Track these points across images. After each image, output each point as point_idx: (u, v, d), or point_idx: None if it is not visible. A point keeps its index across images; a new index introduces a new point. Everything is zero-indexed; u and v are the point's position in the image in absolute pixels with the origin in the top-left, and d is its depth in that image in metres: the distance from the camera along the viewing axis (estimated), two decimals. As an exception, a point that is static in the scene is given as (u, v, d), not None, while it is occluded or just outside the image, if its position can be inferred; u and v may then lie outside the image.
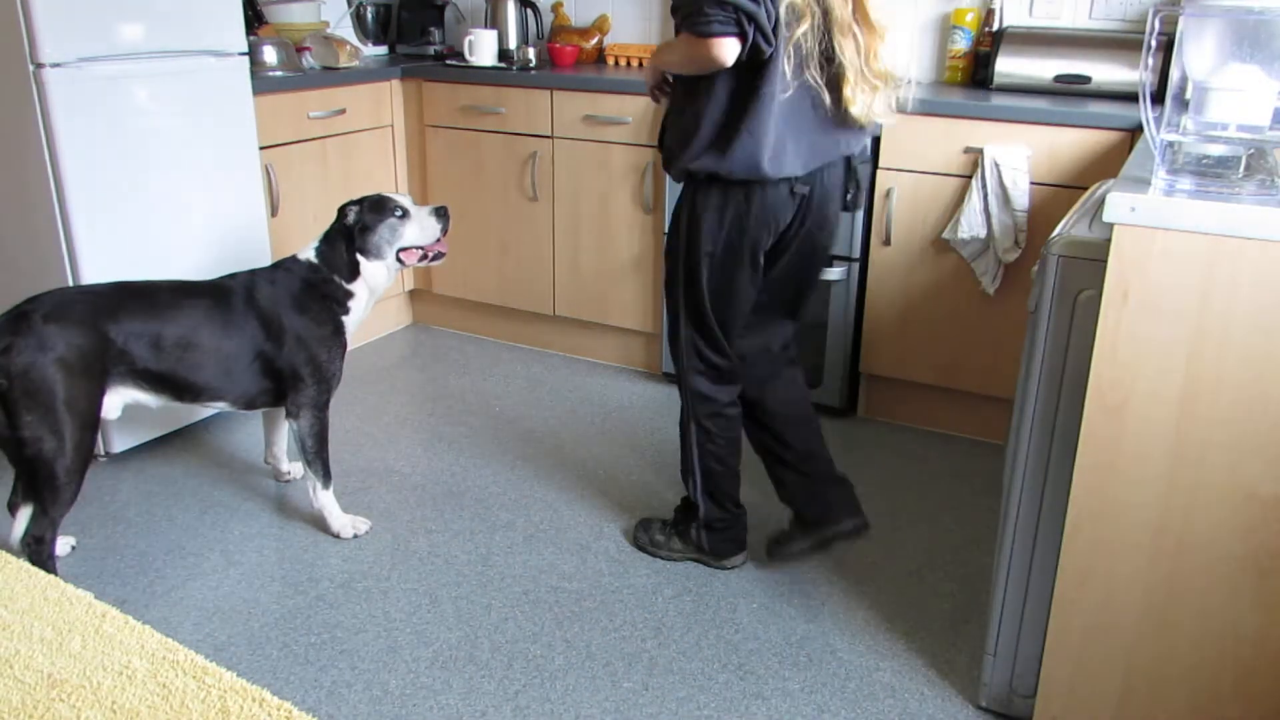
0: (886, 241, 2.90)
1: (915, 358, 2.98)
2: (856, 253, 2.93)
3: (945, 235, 2.80)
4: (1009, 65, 2.95)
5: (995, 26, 3.08)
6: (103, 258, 2.63)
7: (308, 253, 2.42)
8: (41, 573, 1.91)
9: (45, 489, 2.10)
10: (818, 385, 3.10)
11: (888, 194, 2.85)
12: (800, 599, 2.25)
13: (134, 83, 2.62)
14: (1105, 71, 2.85)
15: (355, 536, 2.46)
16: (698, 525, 2.31)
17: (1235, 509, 1.54)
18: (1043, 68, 2.92)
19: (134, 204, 2.68)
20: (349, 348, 2.49)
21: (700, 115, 1.94)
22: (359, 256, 2.40)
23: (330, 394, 2.43)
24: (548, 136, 3.34)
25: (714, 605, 2.22)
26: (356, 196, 2.47)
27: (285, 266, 2.41)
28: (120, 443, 2.79)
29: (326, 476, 2.44)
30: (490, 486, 2.71)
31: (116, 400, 2.23)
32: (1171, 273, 1.48)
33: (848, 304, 2.98)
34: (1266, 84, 1.49)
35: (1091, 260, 1.58)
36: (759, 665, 2.04)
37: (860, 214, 2.89)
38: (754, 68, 1.87)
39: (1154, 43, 1.57)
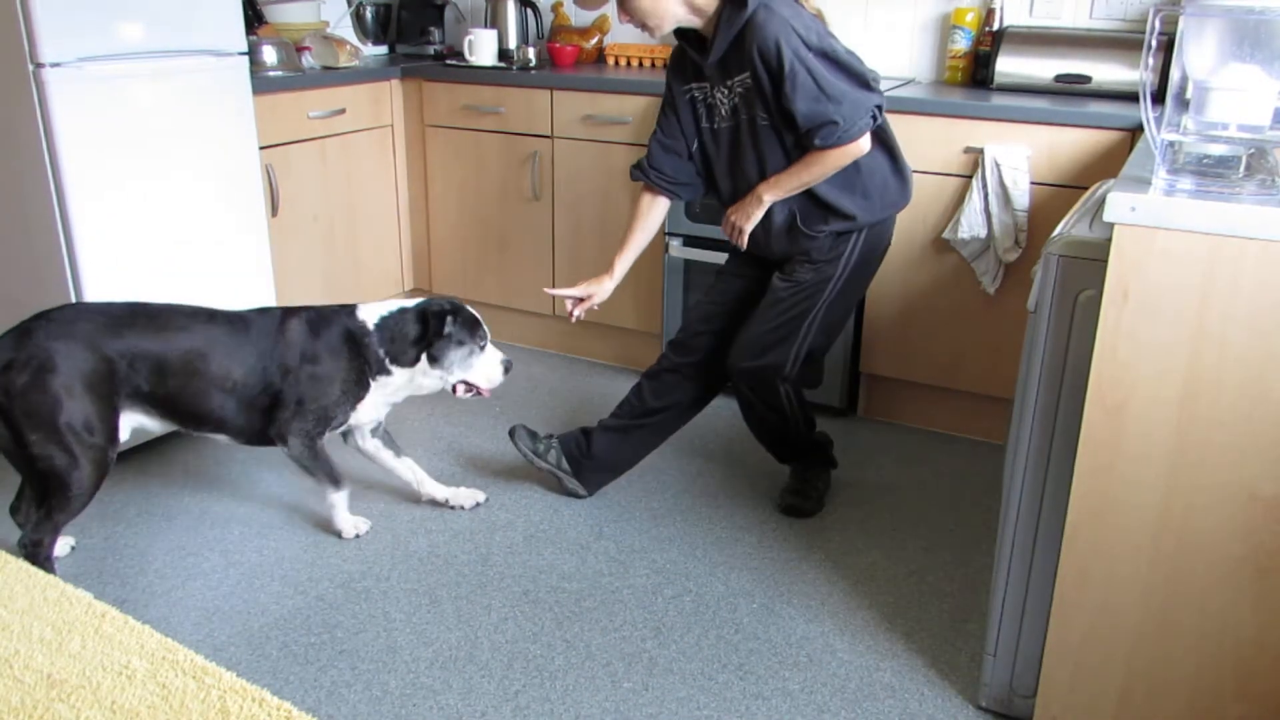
0: (886, 241, 2.89)
1: (915, 358, 2.98)
2: (856, 253, 2.93)
3: (945, 235, 2.80)
4: (1009, 65, 2.95)
5: (995, 26, 3.07)
6: (102, 258, 2.63)
7: (371, 316, 2.33)
8: (41, 573, 1.91)
9: (55, 497, 2.11)
10: (818, 385, 3.10)
11: (888, 194, 2.85)
12: (800, 599, 2.25)
13: (134, 83, 2.62)
14: (1105, 71, 2.85)
15: (357, 537, 2.46)
16: (824, 458, 2.65)
17: (1235, 509, 1.54)
18: (1043, 67, 2.92)
19: (134, 204, 2.68)
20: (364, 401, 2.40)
21: (867, 178, 2.23)
22: (424, 359, 2.33)
23: (324, 433, 2.36)
24: (548, 136, 3.34)
25: (714, 605, 2.22)
26: (445, 301, 2.38)
27: (335, 315, 2.32)
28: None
29: (334, 481, 2.42)
30: (490, 486, 2.71)
31: (125, 423, 2.21)
32: (1172, 273, 1.48)
33: (848, 304, 2.98)
34: (1266, 84, 1.49)
35: (1091, 260, 1.57)
36: (759, 665, 2.04)
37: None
38: None
39: (1154, 42, 1.57)
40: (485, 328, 2.41)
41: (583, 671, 2.01)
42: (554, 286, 3.47)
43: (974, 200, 2.70)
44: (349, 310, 2.35)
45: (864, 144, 2.14)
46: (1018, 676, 1.85)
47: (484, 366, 2.40)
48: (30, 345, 2.05)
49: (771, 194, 2.23)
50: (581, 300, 2.47)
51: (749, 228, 2.29)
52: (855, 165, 2.20)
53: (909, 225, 2.86)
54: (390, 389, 2.38)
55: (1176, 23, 1.54)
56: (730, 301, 2.47)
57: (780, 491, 2.63)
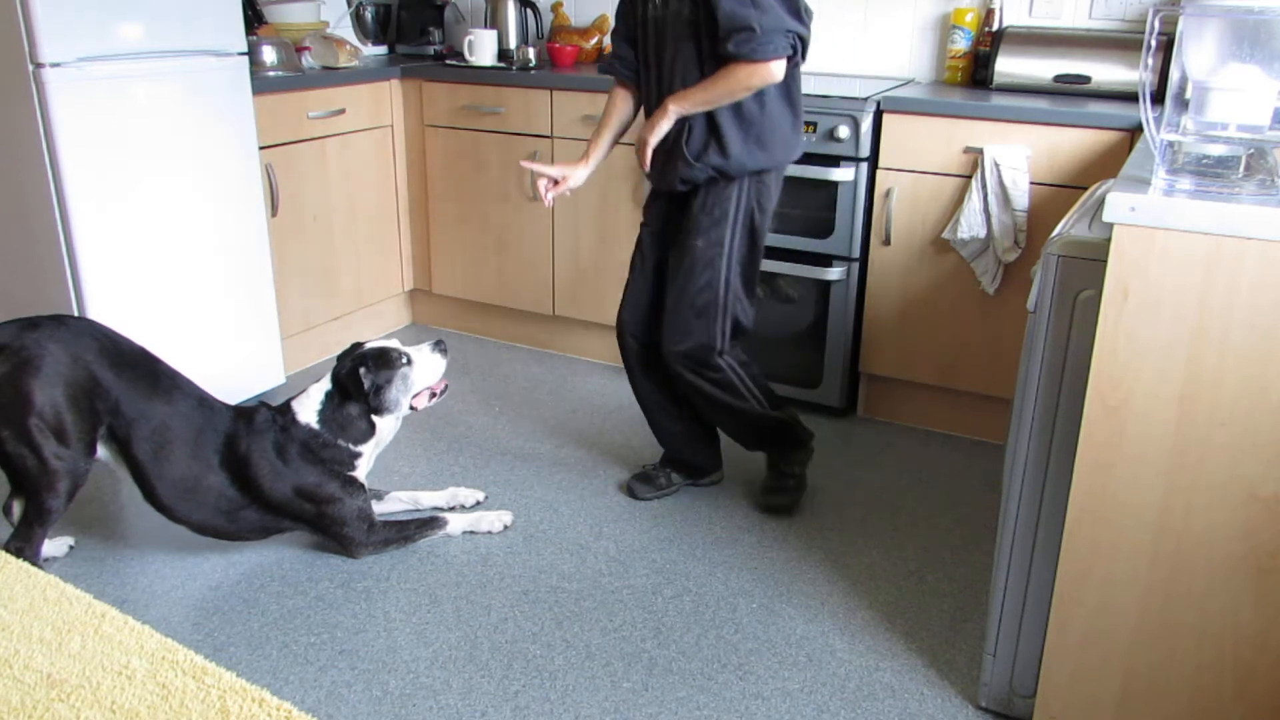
0: (886, 241, 2.90)
1: (915, 358, 2.98)
2: (856, 253, 2.93)
3: (945, 235, 2.80)
4: (1009, 65, 2.95)
5: (995, 26, 3.08)
6: (102, 258, 2.63)
7: (308, 415, 2.26)
8: (41, 573, 1.91)
9: (30, 504, 2.11)
10: (817, 385, 3.10)
11: (887, 194, 2.85)
12: (800, 599, 2.25)
13: (134, 83, 2.62)
14: (1105, 71, 2.85)
15: (505, 528, 2.48)
16: (795, 436, 2.56)
17: (1235, 509, 1.54)
18: (1043, 68, 2.92)
19: (134, 204, 2.68)
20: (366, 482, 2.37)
21: (765, 121, 2.21)
22: (373, 416, 2.28)
23: (372, 520, 2.33)
24: (547, 136, 3.34)
25: (714, 605, 2.22)
26: (346, 353, 2.31)
27: (284, 428, 2.24)
28: (120, 443, 2.79)
29: (432, 525, 2.42)
30: (490, 486, 2.71)
31: (99, 450, 2.19)
32: (1171, 273, 1.48)
33: (847, 304, 2.98)
34: (1266, 84, 1.49)
35: (1091, 260, 1.58)
36: (759, 665, 2.04)
37: (860, 214, 2.89)
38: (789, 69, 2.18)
39: (1154, 43, 1.57)
40: (395, 345, 2.32)
41: (583, 671, 2.01)
42: (554, 286, 3.49)
43: (973, 200, 2.70)
44: (289, 418, 2.26)
45: (776, 70, 2.10)
46: (1017, 676, 1.85)
47: (423, 373, 2.33)
48: (26, 338, 2.04)
49: (677, 105, 2.19)
50: (556, 183, 2.46)
51: (653, 141, 2.24)
52: (760, 106, 2.19)
53: (909, 225, 2.86)
54: (368, 460, 2.34)
55: (1176, 23, 1.54)
56: (649, 273, 2.47)
57: (758, 491, 2.62)
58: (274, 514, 2.26)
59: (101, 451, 2.18)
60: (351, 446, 2.28)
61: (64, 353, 2.07)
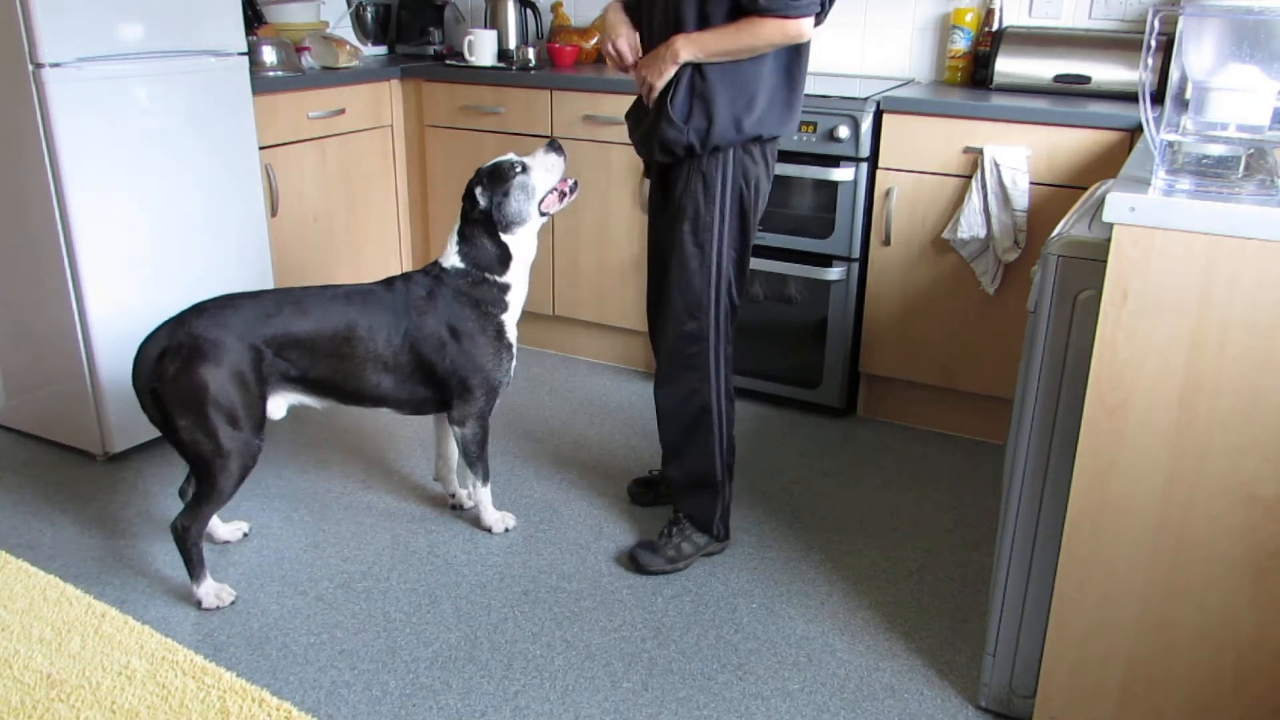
0: (886, 241, 2.90)
1: (915, 358, 2.98)
2: (856, 253, 2.93)
3: (945, 235, 2.80)
4: (1009, 65, 2.95)
5: (995, 26, 3.08)
6: (102, 258, 2.63)
7: (451, 259, 2.31)
8: (41, 573, 1.91)
9: (202, 485, 2.14)
10: (817, 385, 3.11)
11: (887, 194, 2.85)
12: (800, 599, 2.25)
13: (134, 83, 2.62)
14: (1105, 71, 2.85)
15: (506, 531, 2.49)
16: (720, 513, 2.36)
17: (1235, 509, 1.54)
18: (1042, 68, 2.92)
19: (133, 204, 2.68)
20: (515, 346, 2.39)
21: (758, 82, 2.04)
22: (503, 236, 2.29)
23: (496, 401, 2.38)
24: (547, 137, 3.34)
25: (714, 605, 2.22)
26: (476, 176, 2.33)
27: (435, 276, 2.30)
28: (120, 443, 2.79)
29: (485, 476, 2.46)
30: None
31: (280, 402, 2.25)
32: (1171, 272, 1.48)
33: (847, 304, 2.98)
34: (1266, 84, 1.49)
35: (1091, 260, 1.58)
36: (759, 665, 2.04)
37: (860, 214, 2.89)
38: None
39: (1154, 43, 1.57)
40: (509, 156, 2.32)
41: (583, 671, 2.01)
42: (554, 286, 3.49)
43: (973, 200, 2.71)
44: (438, 269, 2.31)
45: (805, 28, 1.96)
46: (1017, 676, 1.85)
47: (541, 175, 2.31)
48: (182, 333, 2.09)
49: (688, 49, 2.01)
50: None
51: (659, 84, 2.06)
52: (757, 70, 2.03)
53: (909, 225, 2.86)
54: (518, 295, 2.35)
55: (1176, 23, 1.54)
56: (658, 264, 2.35)
57: (639, 538, 2.46)
58: (419, 365, 2.28)
59: (288, 399, 2.25)
60: (498, 279, 2.30)
61: (222, 335, 2.10)
